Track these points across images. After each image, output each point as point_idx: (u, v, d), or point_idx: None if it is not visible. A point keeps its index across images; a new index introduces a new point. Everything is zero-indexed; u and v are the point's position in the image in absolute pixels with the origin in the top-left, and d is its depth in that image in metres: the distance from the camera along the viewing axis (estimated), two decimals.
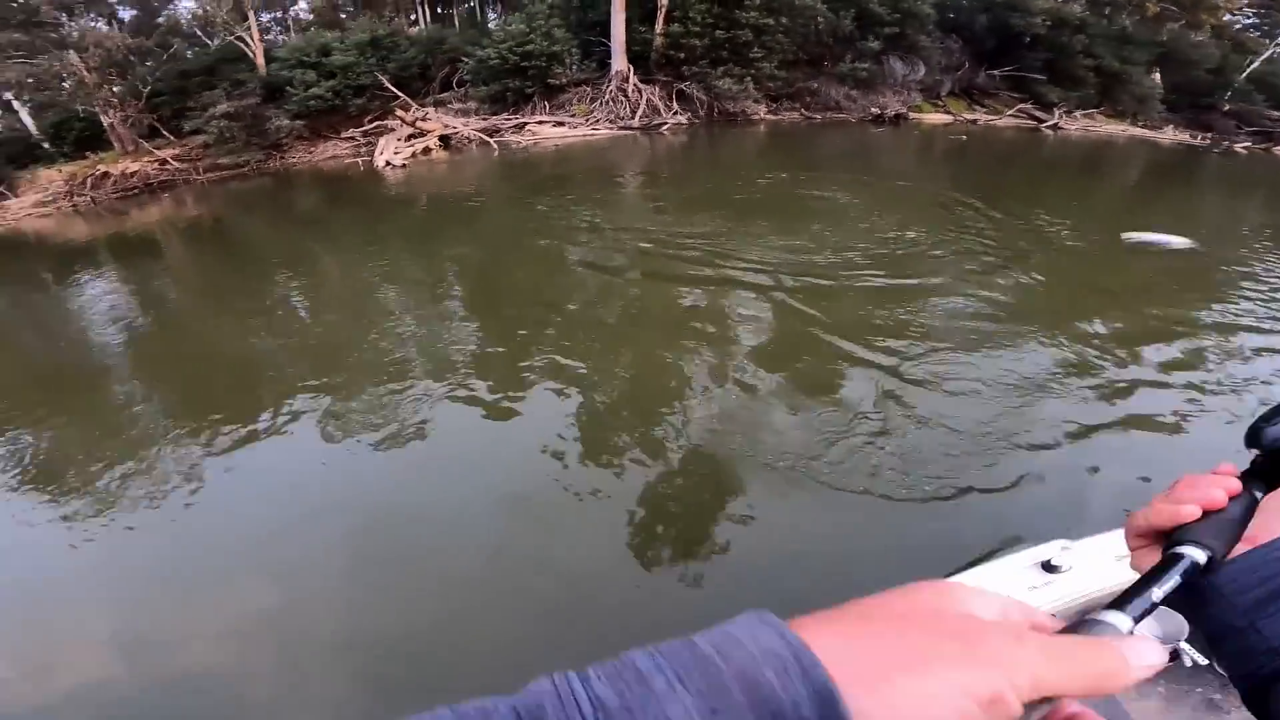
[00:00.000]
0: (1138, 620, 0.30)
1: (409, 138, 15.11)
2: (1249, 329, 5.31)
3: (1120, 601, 0.31)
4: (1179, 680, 1.56)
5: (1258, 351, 4.91)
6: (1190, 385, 4.32)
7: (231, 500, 3.60)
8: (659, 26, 17.88)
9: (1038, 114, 19.76)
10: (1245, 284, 6.42)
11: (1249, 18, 23.78)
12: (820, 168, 11.98)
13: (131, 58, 16.66)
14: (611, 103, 17.42)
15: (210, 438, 4.14)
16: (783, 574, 2.72)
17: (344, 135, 15.94)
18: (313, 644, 2.56)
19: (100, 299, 7.78)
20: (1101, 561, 1.53)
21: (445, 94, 18.14)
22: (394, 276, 7.25)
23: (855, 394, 4.12)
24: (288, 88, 15.66)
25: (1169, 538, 0.37)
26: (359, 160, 15.10)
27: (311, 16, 23.01)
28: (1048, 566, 1.54)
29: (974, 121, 19.45)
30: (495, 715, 0.20)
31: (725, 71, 18.02)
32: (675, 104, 17.95)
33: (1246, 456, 0.42)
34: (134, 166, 14.13)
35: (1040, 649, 0.24)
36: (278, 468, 3.91)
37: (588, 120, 16.99)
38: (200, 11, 18.31)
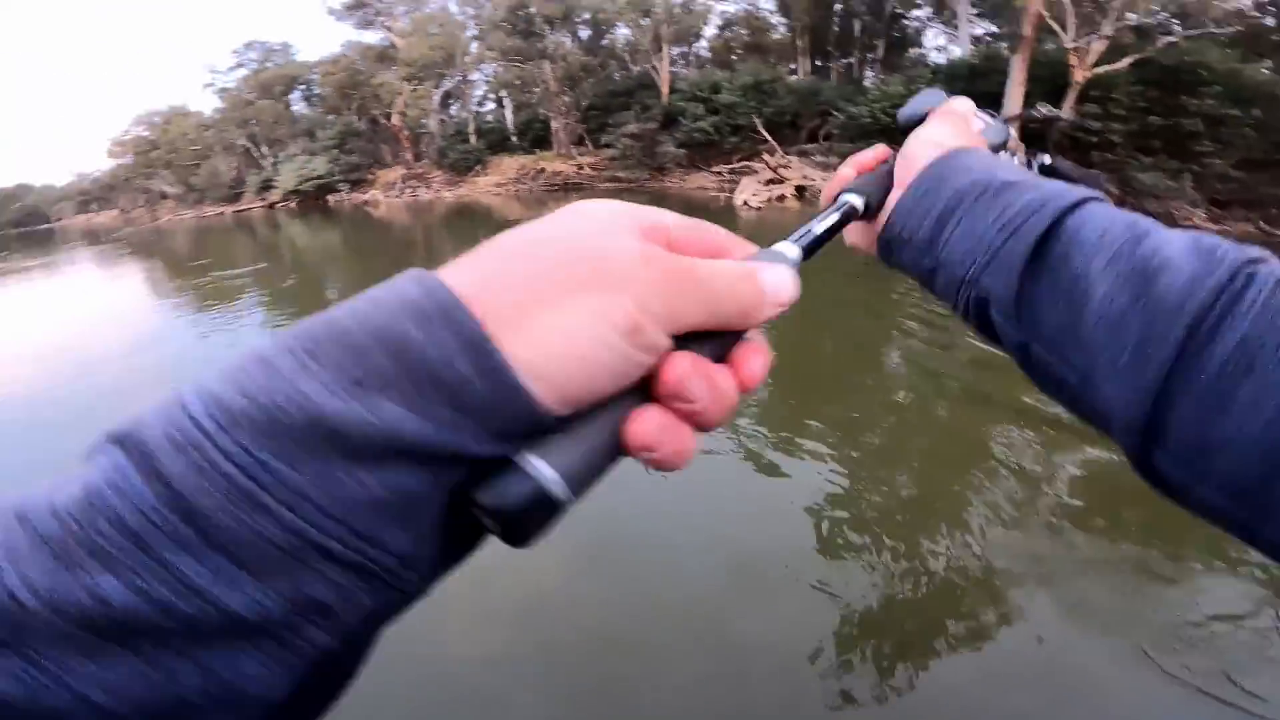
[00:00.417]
0: (808, 253, 0.31)
1: (768, 182, 16.47)
2: None
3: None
4: None
5: None
6: None
7: None
8: (1068, 104, 15.89)
9: None
10: None
11: None
12: None
13: (582, 73, 21.37)
14: None
15: None
16: None
17: (713, 169, 18.09)
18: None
19: None
20: None
21: (810, 145, 19.08)
22: None
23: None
24: (680, 118, 18.34)
25: (833, 197, 0.43)
26: (720, 194, 17.05)
27: (709, 55, 26.15)
28: None
29: None
30: (95, 460, 0.17)
31: (1155, 164, 15.17)
32: None
33: None
34: (560, 167, 18.30)
35: (669, 270, 0.21)
36: None
37: None
38: (631, 38, 22.44)
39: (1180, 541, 3.18)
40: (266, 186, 30.27)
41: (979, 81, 17.32)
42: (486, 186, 18.76)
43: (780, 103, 18.88)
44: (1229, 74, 14.77)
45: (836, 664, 2.62)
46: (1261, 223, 15.99)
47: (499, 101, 24.06)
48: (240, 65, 34.44)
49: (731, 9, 25.52)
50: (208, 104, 48.37)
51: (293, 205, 27.80)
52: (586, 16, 22.75)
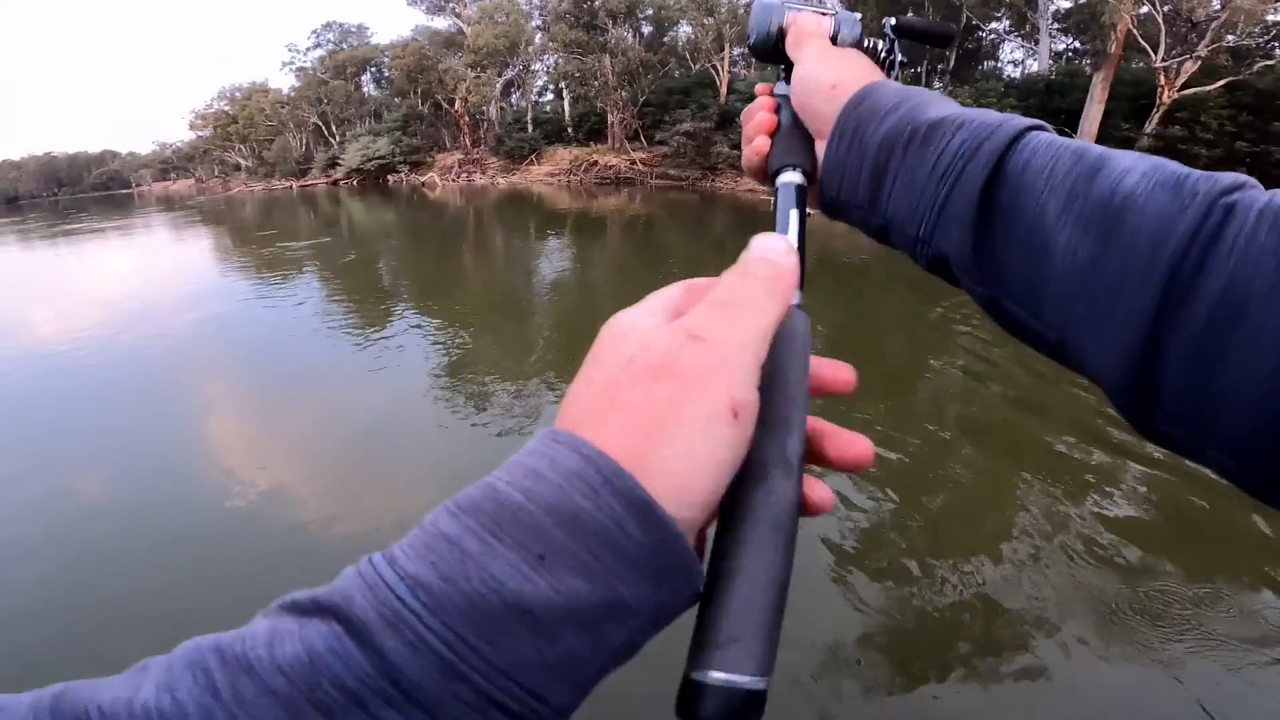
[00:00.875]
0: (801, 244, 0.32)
1: None
2: None
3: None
4: None
5: None
6: None
7: None
8: (1152, 125, 15.02)
9: None
10: None
11: None
12: None
13: (641, 69, 21.41)
14: None
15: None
16: None
17: None
18: None
19: (554, 251, 11.09)
20: None
21: None
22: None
23: None
24: (737, 119, 18.12)
25: (770, 176, 0.39)
26: (770, 198, 16.84)
27: None
28: None
29: None
30: (310, 625, 0.19)
31: None
32: None
33: None
34: (613, 161, 18.40)
35: (716, 315, 0.24)
36: None
37: None
38: (693, 36, 22.32)
39: (1232, 578, 2.88)
40: (332, 164, 31.51)
41: (1056, 98, 16.56)
42: (539, 175, 19.05)
43: None
44: None
45: (835, 680, 2.50)
46: None
47: (558, 92, 24.35)
48: (318, 45, 35.94)
49: None
50: (285, 82, 50.53)
51: (354, 183, 28.84)
52: (650, 12, 22.78)
